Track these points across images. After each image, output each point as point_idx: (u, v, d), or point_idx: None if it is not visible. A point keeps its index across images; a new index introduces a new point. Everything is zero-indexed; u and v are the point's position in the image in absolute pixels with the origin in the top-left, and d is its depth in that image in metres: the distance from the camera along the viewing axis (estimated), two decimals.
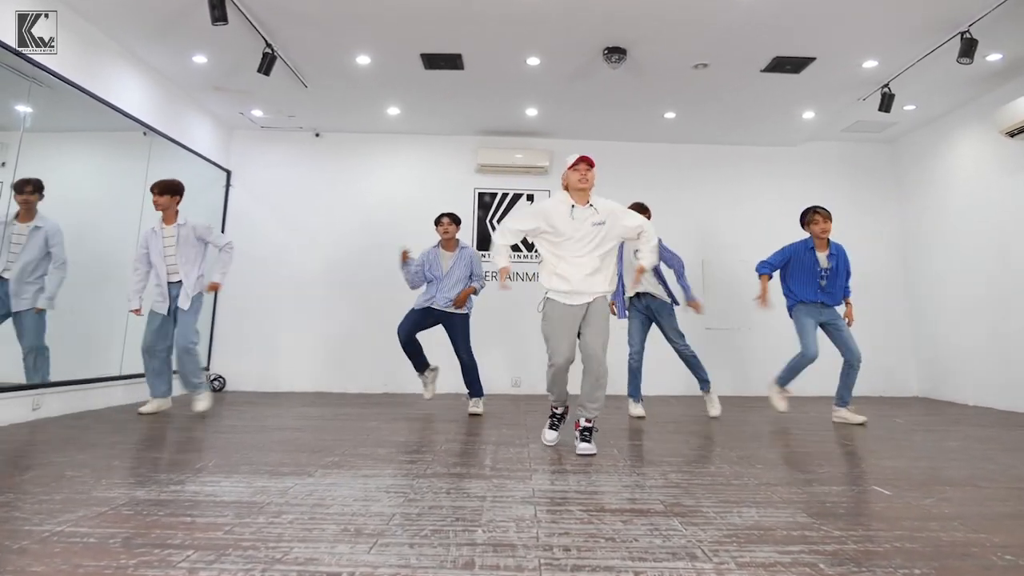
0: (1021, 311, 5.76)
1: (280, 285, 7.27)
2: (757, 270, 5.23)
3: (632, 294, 5.09)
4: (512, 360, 7.20)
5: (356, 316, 7.26)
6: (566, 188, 3.73)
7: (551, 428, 3.85)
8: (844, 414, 4.94)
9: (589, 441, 3.53)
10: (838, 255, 5.06)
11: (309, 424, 4.60)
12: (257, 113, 6.94)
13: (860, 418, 4.87)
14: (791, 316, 5.15)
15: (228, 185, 7.34)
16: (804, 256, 5.08)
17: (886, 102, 5.81)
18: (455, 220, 5.39)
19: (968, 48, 4.78)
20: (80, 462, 3.11)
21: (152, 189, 4.87)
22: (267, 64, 5.18)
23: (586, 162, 3.62)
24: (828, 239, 5.07)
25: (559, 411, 3.87)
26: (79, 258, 5.00)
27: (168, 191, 4.87)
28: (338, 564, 1.80)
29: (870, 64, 5.50)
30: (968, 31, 4.79)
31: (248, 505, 2.38)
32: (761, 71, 5.66)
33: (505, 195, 7.52)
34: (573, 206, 3.65)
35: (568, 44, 5.26)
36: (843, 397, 5.00)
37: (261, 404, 5.78)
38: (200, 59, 5.61)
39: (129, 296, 4.89)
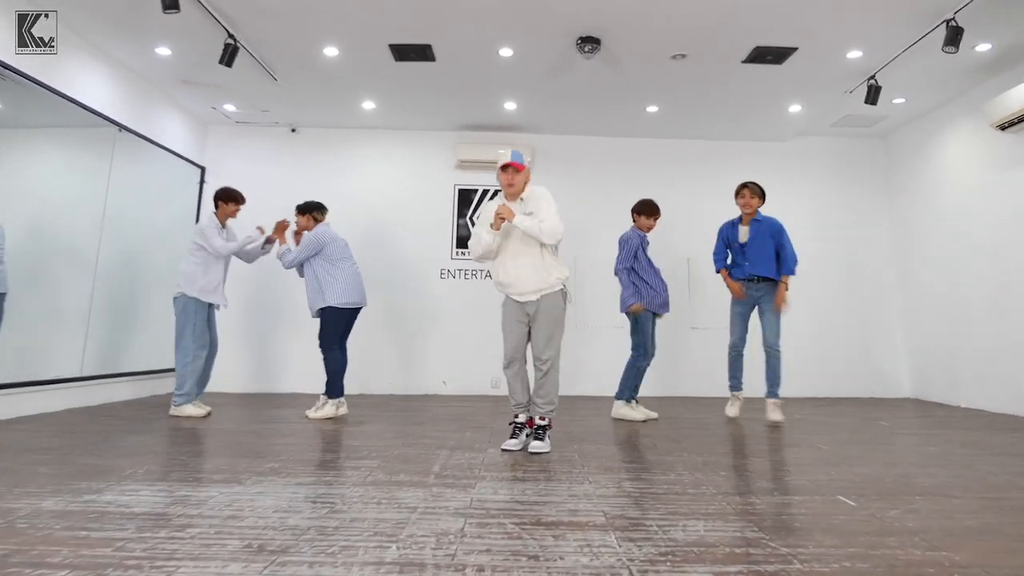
0: (1014, 310, 5.56)
1: (258, 284, 7.11)
2: (716, 268, 5.26)
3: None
4: (492, 360, 7.01)
5: None
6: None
7: (511, 436, 3.70)
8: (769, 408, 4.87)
9: (542, 439, 3.53)
10: (761, 224, 5.00)
11: (268, 427, 4.43)
12: (230, 108, 6.77)
13: (778, 417, 4.79)
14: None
15: (202, 182, 7.17)
16: (729, 233, 5.18)
17: (872, 94, 5.62)
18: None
19: (953, 36, 4.59)
20: (3, 468, 2.94)
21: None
22: (229, 55, 5.01)
23: (512, 167, 3.62)
24: (755, 212, 5.06)
25: (519, 419, 3.74)
26: (39, 256, 4.87)
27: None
28: None
29: (854, 55, 5.31)
30: (954, 19, 4.59)
31: (156, 517, 2.21)
32: (742, 62, 5.47)
33: (486, 191, 7.34)
34: (503, 205, 3.66)
35: (540, 34, 5.08)
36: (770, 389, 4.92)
37: (230, 406, 5.62)
38: (164, 51, 5.44)
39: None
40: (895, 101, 6.37)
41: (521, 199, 3.67)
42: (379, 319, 6.96)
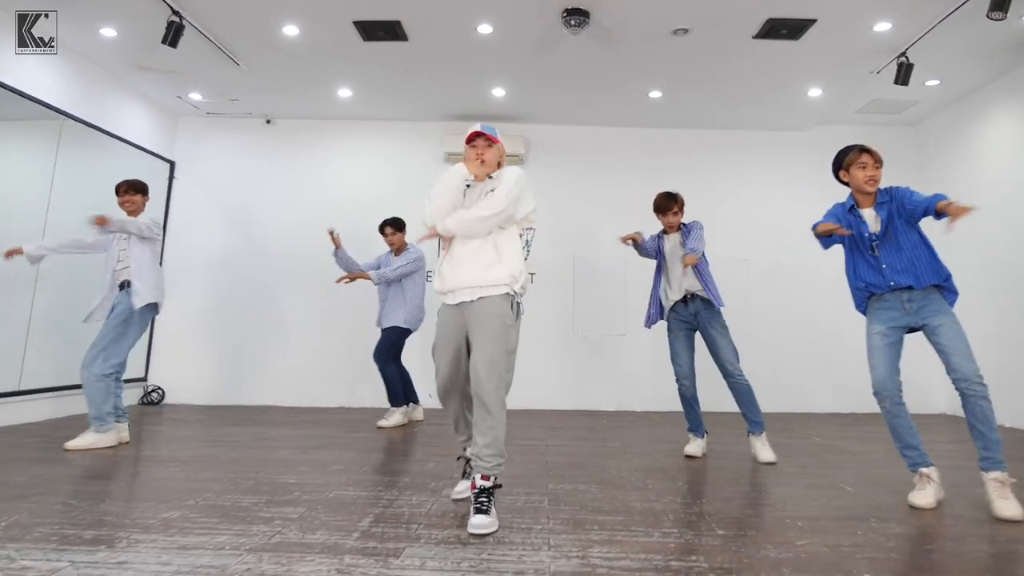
0: None
1: (230, 284, 6.61)
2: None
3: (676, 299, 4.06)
4: None
5: (314, 320, 6.58)
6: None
7: (463, 475, 2.97)
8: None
9: (486, 511, 2.46)
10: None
11: (204, 454, 3.89)
12: (196, 97, 6.26)
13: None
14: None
15: (172, 177, 6.66)
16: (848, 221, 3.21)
17: (903, 73, 4.96)
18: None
19: (1001, 1, 3.93)
20: None
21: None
22: (173, 34, 4.49)
23: (483, 137, 2.80)
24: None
25: (469, 452, 2.88)
26: None
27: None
28: None
29: (882, 27, 4.66)
30: None
31: None
32: (753, 37, 4.85)
33: None
34: (468, 186, 2.82)
35: (520, 6, 4.49)
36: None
37: (183, 423, 5.11)
38: (109, 32, 4.94)
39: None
40: (928, 83, 5.70)
41: (490, 177, 2.83)
42: (360, 324, 6.40)
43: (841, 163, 3.19)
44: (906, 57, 4.96)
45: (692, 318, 4.00)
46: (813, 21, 4.61)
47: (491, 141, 2.81)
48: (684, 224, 4.15)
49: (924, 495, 2.83)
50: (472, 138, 2.81)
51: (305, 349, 6.54)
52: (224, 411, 5.85)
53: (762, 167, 6.90)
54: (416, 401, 5.37)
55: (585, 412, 6.16)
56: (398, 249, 5.41)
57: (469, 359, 2.71)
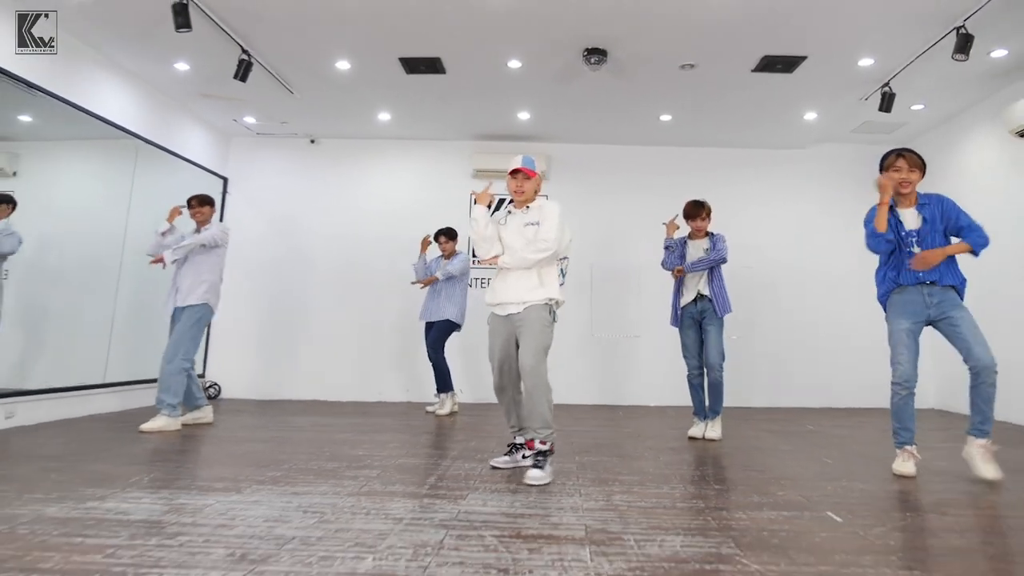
0: None
1: (278, 291, 7.26)
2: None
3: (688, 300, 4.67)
4: None
5: (353, 323, 7.21)
6: None
7: (505, 453, 3.60)
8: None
9: (541, 467, 3.14)
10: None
11: (278, 436, 4.52)
12: (250, 120, 6.93)
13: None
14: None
15: (225, 192, 7.33)
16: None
17: (886, 102, 5.56)
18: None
19: (963, 44, 4.53)
20: (15, 475, 3.06)
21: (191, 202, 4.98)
22: (243, 70, 5.14)
23: (522, 172, 3.41)
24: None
25: (517, 440, 3.57)
26: (66, 265, 5.06)
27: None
28: None
29: (866, 62, 5.27)
30: (963, 26, 4.53)
31: (150, 525, 2.28)
32: (752, 71, 5.46)
33: (502, 200, 7.39)
34: (509, 212, 3.53)
35: (547, 46, 5.13)
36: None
37: (246, 412, 5.74)
38: (183, 66, 5.60)
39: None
40: (914, 107, 6.29)
41: (528, 208, 3.46)
42: (395, 326, 7.05)
43: (882, 167, 3.62)
44: (889, 87, 5.55)
45: (699, 315, 4.61)
46: (804, 58, 5.22)
47: (528, 175, 3.42)
48: (711, 232, 4.74)
49: (908, 466, 3.36)
50: (514, 172, 3.42)
51: (346, 348, 7.17)
52: (276, 404, 6.48)
53: (765, 182, 7.49)
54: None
55: (604, 406, 6.75)
56: (449, 254, 6.03)
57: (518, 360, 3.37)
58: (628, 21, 4.72)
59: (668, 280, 4.92)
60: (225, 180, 7.35)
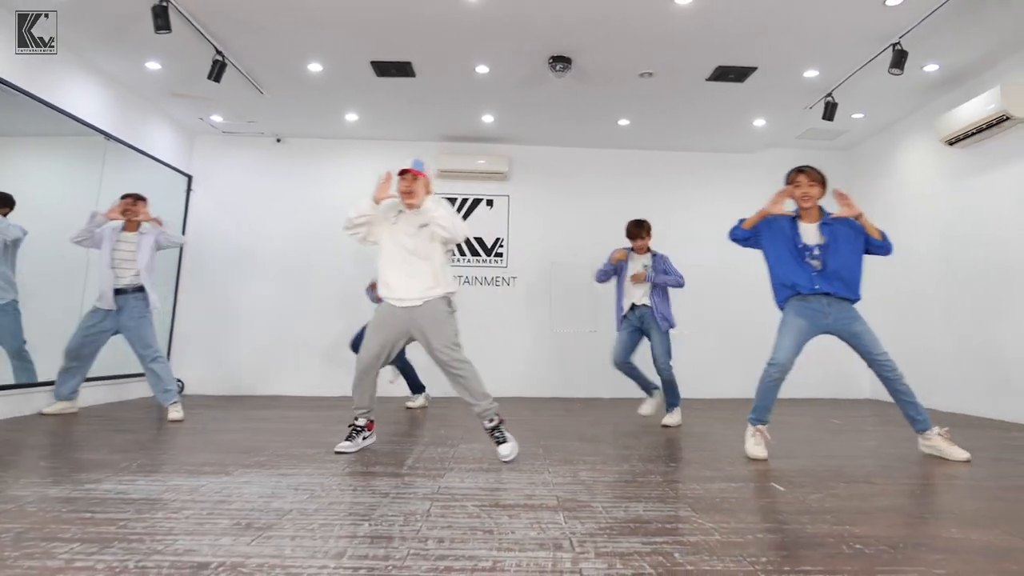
0: (962, 314, 5.90)
1: (241, 290, 7.34)
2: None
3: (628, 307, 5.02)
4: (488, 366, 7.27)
5: (316, 322, 7.33)
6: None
7: (347, 438, 3.68)
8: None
9: (505, 441, 3.41)
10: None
11: (251, 426, 4.66)
12: (217, 119, 7.00)
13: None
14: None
15: (189, 190, 7.38)
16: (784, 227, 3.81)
17: (829, 111, 5.95)
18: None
19: (899, 59, 4.92)
20: (5, 463, 3.17)
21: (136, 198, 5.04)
22: (217, 71, 5.25)
23: (410, 173, 3.56)
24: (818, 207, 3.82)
25: (359, 422, 3.69)
26: (32, 262, 5.09)
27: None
28: (213, 554, 1.87)
29: (811, 74, 5.64)
30: (899, 43, 4.92)
31: (152, 502, 2.45)
32: (706, 80, 5.79)
33: (465, 200, 7.62)
34: (400, 211, 3.64)
35: (514, 53, 5.37)
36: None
37: (215, 407, 5.83)
38: (154, 65, 5.67)
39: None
40: (854, 116, 6.71)
41: (419, 211, 3.56)
42: (360, 324, 7.20)
43: (787, 183, 3.81)
44: (832, 97, 5.94)
45: (639, 322, 4.97)
46: (755, 68, 5.56)
47: (416, 175, 3.57)
48: (652, 250, 5.09)
49: (760, 449, 3.56)
50: (402, 173, 3.57)
51: (310, 346, 7.29)
52: (240, 400, 6.57)
53: (717, 184, 7.86)
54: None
55: (562, 398, 7.02)
56: None
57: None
58: (593, 31, 4.99)
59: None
60: (189, 178, 7.40)
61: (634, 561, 1.86)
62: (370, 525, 2.18)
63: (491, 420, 3.48)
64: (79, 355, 4.93)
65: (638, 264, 5.02)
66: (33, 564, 1.78)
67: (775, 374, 3.61)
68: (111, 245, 4.90)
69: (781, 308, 3.84)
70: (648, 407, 5.05)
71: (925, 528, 2.25)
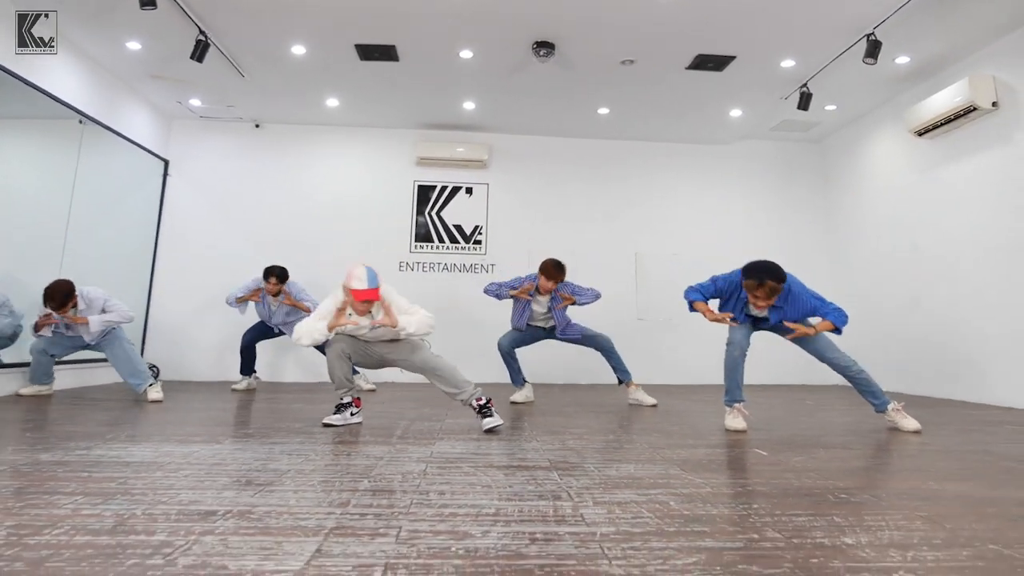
0: (929, 301, 6.08)
1: (217, 276, 7.27)
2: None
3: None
4: (447, 350, 7.31)
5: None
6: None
7: (335, 412, 3.76)
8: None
9: (491, 415, 3.55)
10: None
11: (235, 405, 4.66)
12: (195, 102, 6.94)
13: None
14: None
15: (166, 175, 7.31)
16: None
17: (804, 101, 6.09)
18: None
19: (873, 49, 5.06)
20: None
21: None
22: (200, 51, 5.22)
23: (369, 297, 3.60)
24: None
25: (345, 399, 3.78)
26: (6, 245, 5.02)
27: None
28: (219, 504, 1.90)
29: (788, 63, 5.77)
30: (873, 33, 5.06)
31: (149, 464, 2.46)
32: (686, 68, 5.89)
33: (444, 187, 7.65)
34: (350, 314, 3.71)
35: (499, 38, 5.41)
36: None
37: (195, 391, 5.80)
38: (134, 45, 5.62)
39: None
40: (827, 108, 6.87)
41: (370, 313, 3.71)
42: None
43: (743, 275, 3.83)
44: (807, 87, 6.08)
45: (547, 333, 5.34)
46: (733, 57, 5.67)
47: (373, 298, 3.62)
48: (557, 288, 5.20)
49: (739, 421, 3.70)
50: (367, 296, 3.57)
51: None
52: (219, 385, 6.53)
53: (693, 174, 7.99)
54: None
55: (539, 384, 7.03)
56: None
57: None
58: (577, 17, 5.06)
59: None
60: (166, 162, 7.33)
61: (632, 508, 1.93)
62: (369, 482, 2.22)
63: (479, 400, 3.63)
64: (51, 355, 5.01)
65: (542, 305, 5.20)
66: (39, 512, 1.79)
67: (735, 352, 3.87)
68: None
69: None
70: (520, 395, 5.23)
71: (905, 482, 2.35)
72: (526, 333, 5.31)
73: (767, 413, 4.63)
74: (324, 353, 4.15)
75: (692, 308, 4.14)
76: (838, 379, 7.51)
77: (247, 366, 6.12)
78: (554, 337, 5.26)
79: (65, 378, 5.65)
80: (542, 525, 1.75)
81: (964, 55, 5.66)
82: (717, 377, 7.31)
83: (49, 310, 4.72)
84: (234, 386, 6.03)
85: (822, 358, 3.88)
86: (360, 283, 3.54)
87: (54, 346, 4.92)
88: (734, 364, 3.88)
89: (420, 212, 7.61)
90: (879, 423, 3.99)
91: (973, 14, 4.98)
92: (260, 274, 5.97)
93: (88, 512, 1.80)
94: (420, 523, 1.75)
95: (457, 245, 7.57)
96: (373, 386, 6.20)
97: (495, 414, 3.56)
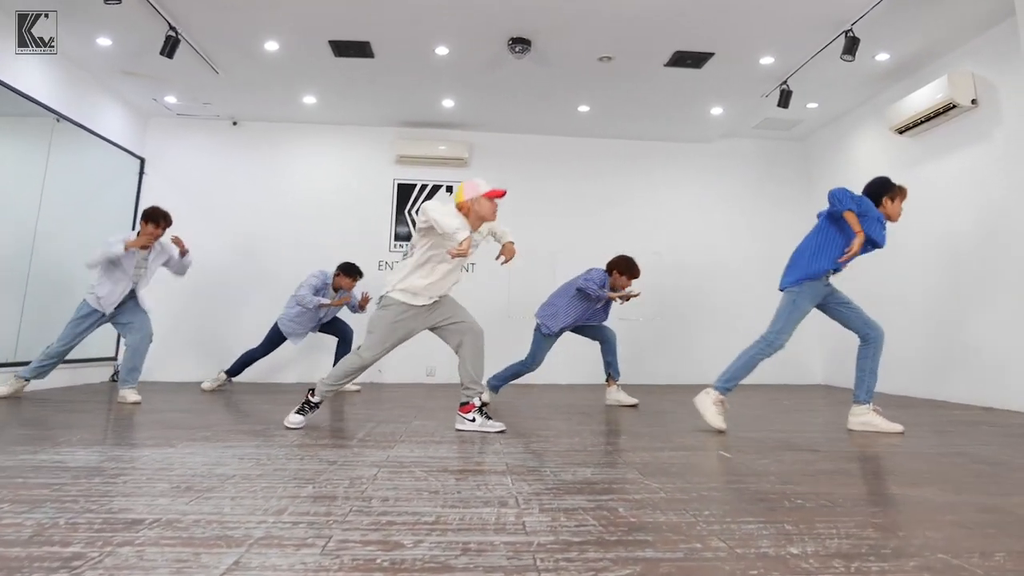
0: (909, 300, 6.04)
1: (195, 274, 7.16)
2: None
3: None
4: (428, 349, 7.23)
5: (272, 308, 7.19)
6: (466, 213, 3.64)
7: (301, 412, 3.62)
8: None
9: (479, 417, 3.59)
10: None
11: (199, 406, 4.57)
12: (171, 100, 6.85)
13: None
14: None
15: (142, 173, 7.21)
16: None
17: (784, 98, 6.02)
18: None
19: (851, 46, 5.01)
20: None
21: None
22: (170, 47, 5.12)
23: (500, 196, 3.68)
24: None
25: (316, 399, 3.62)
26: None
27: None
28: (148, 512, 1.83)
29: (767, 60, 5.71)
30: (851, 30, 5.01)
31: (91, 469, 2.38)
32: (664, 65, 5.82)
33: (425, 186, 7.57)
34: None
35: (474, 34, 5.34)
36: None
37: (164, 391, 5.71)
38: (104, 41, 5.52)
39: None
40: (809, 106, 6.81)
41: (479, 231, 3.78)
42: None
43: (890, 190, 4.10)
44: (787, 85, 6.02)
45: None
46: (712, 54, 5.61)
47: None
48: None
49: (721, 419, 3.69)
50: (502, 194, 3.68)
51: (261, 333, 7.15)
52: (192, 385, 6.43)
53: (674, 173, 7.93)
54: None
55: (518, 384, 6.97)
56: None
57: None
58: (553, 13, 4.98)
59: (584, 262, 5.25)
60: (142, 160, 7.23)
61: (578, 515, 1.86)
62: (314, 488, 2.15)
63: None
64: (64, 356, 4.95)
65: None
66: None
67: (769, 353, 3.87)
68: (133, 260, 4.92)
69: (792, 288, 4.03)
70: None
71: (865, 486, 2.30)
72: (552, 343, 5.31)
73: (741, 412, 4.57)
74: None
75: (840, 215, 3.93)
76: (820, 378, 7.54)
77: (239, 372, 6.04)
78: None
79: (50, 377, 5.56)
80: (479, 534, 1.68)
81: (944, 52, 5.62)
82: (697, 376, 7.30)
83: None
84: (205, 385, 5.95)
85: (866, 324, 4.03)
86: (486, 186, 3.60)
87: (78, 341, 4.91)
88: (755, 362, 3.86)
89: (400, 211, 7.53)
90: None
91: (951, 11, 4.93)
92: (318, 273, 6.00)
93: (9, 521, 1.72)
94: (352, 532, 1.68)
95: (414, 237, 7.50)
96: (358, 387, 6.11)
97: (476, 419, 3.57)
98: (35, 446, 2.84)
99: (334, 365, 5.91)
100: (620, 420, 4.14)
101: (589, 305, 5.05)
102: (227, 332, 7.14)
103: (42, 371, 4.89)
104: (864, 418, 3.73)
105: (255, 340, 7.12)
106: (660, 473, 2.43)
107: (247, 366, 5.98)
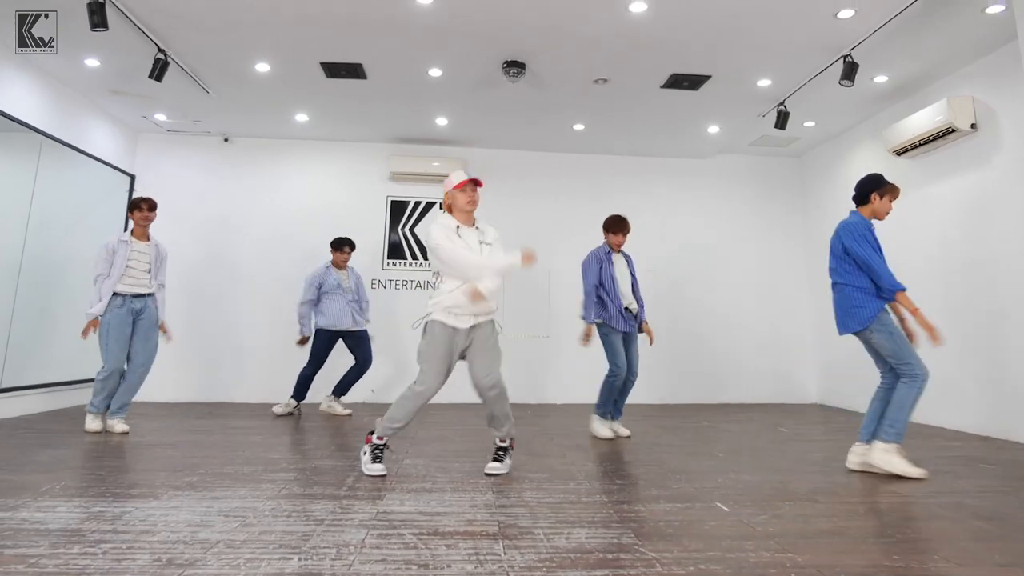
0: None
1: (187, 292, 7.10)
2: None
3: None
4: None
5: (264, 325, 7.13)
6: (449, 210, 3.58)
7: (375, 460, 3.44)
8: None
9: (499, 460, 3.52)
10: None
11: (187, 439, 4.49)
12: (161, 117, 6.77)
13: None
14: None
15: (132, 191, 7.12)
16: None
17: (781, 120, 5.98)
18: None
19: (849, 71, 4.96)
20: None
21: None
22: (159, 70, 5.05)
23: (474, 183, 3.55)
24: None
25: (384, 440, 3.50)
26: None
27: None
28: None
29: (764, 83, 5.66)
30: (850, 55, 4.96)
31: (70, 533, 2.31)
32: (660, 87, 5.77)
33: (418, 203, 7.50)
34: (458, 227, 3.50)
35: (468, 56, 5.27)
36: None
37: (154, 416, 5.63)
38: (92, 62, 5.44)
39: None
40: (806, 124, 6.77)
41: (476, 227, 3.59)
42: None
43: (880, 186, 4.21)
44: (784, 106, 5.97)
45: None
46: (708, 76, 5.56)
47: (477, 184, 3.56)
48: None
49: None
50: (473, 183, 3.53)
51: (256, 350, 7.08)
52: (183, 407, 6.36)
53: (671, 189, 7.88)
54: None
55: (514, 404, 6.92)
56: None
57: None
58: (547, 37, 4.92)
59: (578, 279, 5.12)
60: (132, 178, 7.14)
61: None
62: (300, 560, 2.08)
63: (505, 440, 3.60)
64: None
65: (625, 277, 5.00)
66: None
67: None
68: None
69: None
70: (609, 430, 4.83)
71: (866, 554, 2.23)
72: (628, 332, 4.91)
73: (737, 443, 4.52)
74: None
75: (892, 296, 3.93)
76: (814, 397, 7.50)
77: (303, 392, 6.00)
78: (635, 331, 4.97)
79: (29, 402, 5.49)
80: None
81: (943, 74, 5.58)
82: (691, 396, 7.26)
83: None
84: (276, 409, 5.95)
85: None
86: (460, 176, 3.53)
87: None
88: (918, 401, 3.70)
89: (393, 228, 7.46)
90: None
91: (951, 35, 4.88)
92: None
93: None
94: None
95: (419, 261, 7.43)
96: (349, 411, 6.03)
97: (505, 461, 3.54)
98: (16, 498, 2.76)
99: (339, 383, 5.95)
100: (614, 454, 4.08)
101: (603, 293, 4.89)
102: (219, 350, 7.07)
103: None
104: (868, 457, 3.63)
105: (247, 357, 7.08)
106: (656, 536, 2.37)
107: (306, 386, 5.98)
